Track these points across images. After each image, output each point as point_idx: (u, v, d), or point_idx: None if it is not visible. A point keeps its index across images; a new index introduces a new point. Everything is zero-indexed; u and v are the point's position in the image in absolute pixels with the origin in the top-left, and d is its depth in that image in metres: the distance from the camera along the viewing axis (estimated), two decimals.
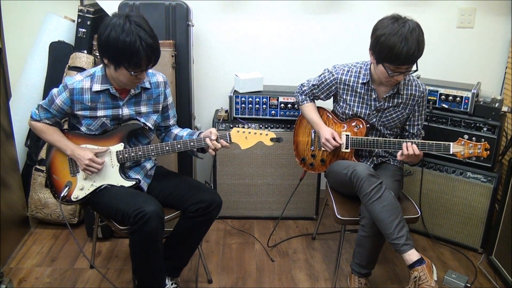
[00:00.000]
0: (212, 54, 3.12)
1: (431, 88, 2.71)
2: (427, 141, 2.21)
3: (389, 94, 2.31)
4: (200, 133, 2.18)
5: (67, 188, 2.11)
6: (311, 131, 2.55)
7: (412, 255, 2.03)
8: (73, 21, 2.92)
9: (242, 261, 2.68)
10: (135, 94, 2.11)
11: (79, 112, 2.06)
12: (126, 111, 2.11)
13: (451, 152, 2.18)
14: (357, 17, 3.05)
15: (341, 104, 2.44)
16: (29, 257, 2.64)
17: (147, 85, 2.13)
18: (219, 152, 2.14)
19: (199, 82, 3.15)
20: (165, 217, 2.07)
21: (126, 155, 2.11)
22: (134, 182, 2.14)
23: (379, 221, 2.09)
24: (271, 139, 2.11)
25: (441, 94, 2.70)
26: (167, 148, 2.11)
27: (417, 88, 2.33)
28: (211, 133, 2.09)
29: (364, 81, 2.33)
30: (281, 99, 2.86)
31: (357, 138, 2.36)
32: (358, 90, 2.37)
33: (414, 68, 2.15)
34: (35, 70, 2.90)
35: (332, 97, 2.51)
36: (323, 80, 2.45)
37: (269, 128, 2.92)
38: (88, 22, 2.83)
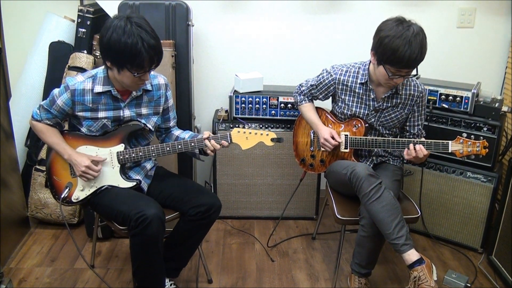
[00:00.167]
0: (212, 54, 3.12)
1: (431, 88, 2.71)
2: (425, 140, 2.22)
3: (388, 94, 2.31)
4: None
5: (67, 189, 2.11)
6: (310, 131, 2.55)
7: (411, 255, 2.03)
8: (73, 21, 2.92)
9: (242, 261, 2.68)
10: (136, 96, 2.11)
11: (80, 113, 2.06)
12: (127, 113, 2.11)
13: (449, 151, 2.18)
14: (357, 17, 3.05)
15: (339, 104, 2.44)
16: (29, 257, 2.64)
17: (149, 87, 2.13)
18: (219, 152, 2.14)
19: (199, 82, 3.15)
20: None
21: (127, 156, 2.11)
22: (135, 183, 2.14)
23: (378, 221, 2.09)
24: (272, 140, 2.11)
25: (441, 94, 2.70)
26: (168, 149, 2.11)
27: (416, 89, 2.33)
28: (204, 133, 2.11)
29: (362, 81, 2.33)
30: (281, 99, 2.86)
31: (356, 138, 2.36)
32: (357, 90, 2.37)
33: (414, 72, 2.15)
34: (35, 70, 2.90)
35: (330, 97, 2.51)
36: (322, 80, 2.45)
37: (269, 128, 2.92)
38: (88, 22, 2.83)
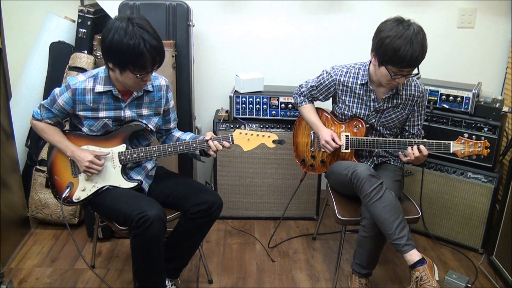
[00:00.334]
0: (213, 54, 3.11)
1: (432, 88, 2.71)
2: (427, 141, 2.22)
3: (388, 95, 2.31)
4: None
5: (68, 189, 2.11)
6: (311, 132, 2.55)
7: (413, 255, 2.04)
8: (73, 21, 2.92)
9: (242, 262, 2.68)
10: (137, 97, 2.10)
11: (81, 113, 2.06)
12: (128, 113, 2.11)
13: (451, 151, 2.19)
14: (357, 18, 3.05)
15: (340, 105, 2.44)
16: (29, 258, 2.63)
17: (150, 88, 2.13)
18: (219, 152, 2.14)
19: (200, 82, 3.15)
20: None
21: (128, 156, 2.10)
22: (136, 184, 2.13)
23: (380, 222, 2.09)
24: (274, 141, 2.11)
25: (441, 94, 2.70)
26: (169, 149, 2.11)
27: (416, 89, 2.33)
28: (206, 135, 2.11)
29: (363, 82, 2.33)
30: (281, 99, 2.86)
31: (356, 139, 2.36)
32: (357, 91, 2.36)
33: (415, 71, 2.16)
34: (35, 70, 2.90)
35: (331, 98, 2.51)
36: (322, 81, 2.45)
37: (270, 128, 2.92)
38: (89, 23, 2.83)
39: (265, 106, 2.88)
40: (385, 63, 2.13)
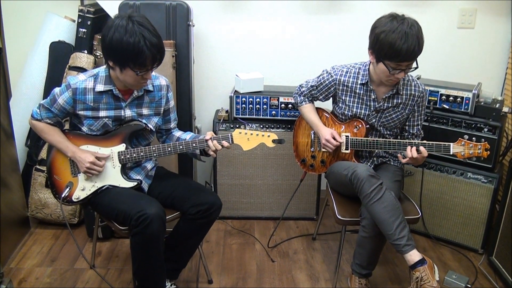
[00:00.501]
0: (213, 54, 3.11)
1: (432, 88, 2.71)
2: (427, 142, 2.21)
3: (389, 94, 2.31)
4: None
5: (68, 189, 2.11)
6: (311, 132, 2.55)
7: (413, 256, 2.04)
8: (74, 21, 2.92)
9: (242, 262, 2.68)
10: (138, 96, 2.10)
11: (81, 112, 2.06)
12: (128, 113, 2.11)
13: (451, 153, 2.19)
14: (357, 18, 3.05)
15: (340, 105, 2.44)
16: (29, 257, 2.63)
17: (150, 87, 2.13)
18: (219, 152, 2.14)
19: (200, 82, 3.15)
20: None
21: (128, 156, 2.10)
22: (135, 183, 2.13)
23: (380, 222, 2.09)
24: (273, 141, 2.11)
25: (441, 95, 2.70)
26: (169, 149, 2.10)
27: (417, 89, 2.33)
28: (206, 134, 2.11)
29: (363, 82, 2.33)
30: (281, 99, 2.86)
31: (356, 139, 2.36)
32: (357, 91, 2.36)
33: (414, 65, 2.15)
34: (35, 70, 2.90)
35: (331, 98, 2.51)
36: (322, 81, 2.45)
37: (270, 128, 2.91)
38: (89, 22, 2.83)
39: (265, 106, 2.88)
40: (382, 58, 2.13)
